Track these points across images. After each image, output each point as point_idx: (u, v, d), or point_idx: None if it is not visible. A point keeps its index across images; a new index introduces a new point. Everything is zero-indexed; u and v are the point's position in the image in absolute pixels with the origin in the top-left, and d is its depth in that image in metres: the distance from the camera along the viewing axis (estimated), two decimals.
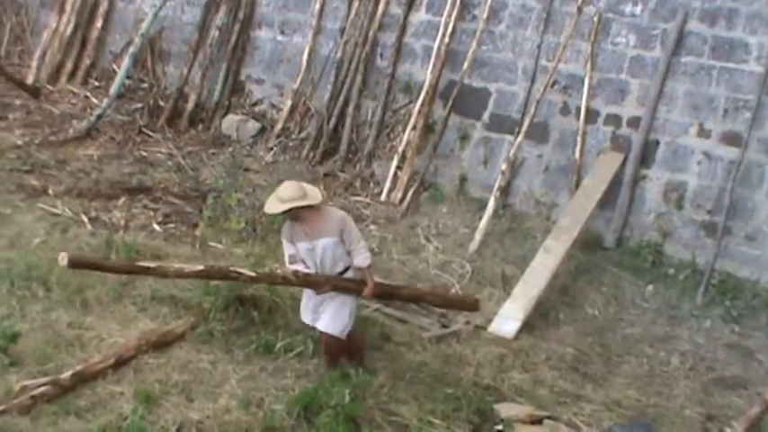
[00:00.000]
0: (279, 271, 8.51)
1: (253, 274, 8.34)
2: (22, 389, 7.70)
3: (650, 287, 11.17)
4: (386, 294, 9.16)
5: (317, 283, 8.15)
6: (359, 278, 8.27)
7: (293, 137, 14.15)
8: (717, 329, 10.60)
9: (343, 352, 8.51)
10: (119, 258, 9.87)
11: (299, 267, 8.15)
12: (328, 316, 8.25)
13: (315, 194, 8.12)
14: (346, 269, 8.23)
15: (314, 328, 8.47)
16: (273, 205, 7.99)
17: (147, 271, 8.25)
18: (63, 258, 7.62)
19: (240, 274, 8.26)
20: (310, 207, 7.97)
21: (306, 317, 8.47)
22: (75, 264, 7.80)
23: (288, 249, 8.23)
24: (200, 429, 7.56)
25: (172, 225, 11.53)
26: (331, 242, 8.06)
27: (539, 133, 12.41)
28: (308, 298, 8.41)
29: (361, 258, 8.18)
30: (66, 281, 9.15)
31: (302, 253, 8.13)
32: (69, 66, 15.93)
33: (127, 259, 8.65)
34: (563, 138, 12.34)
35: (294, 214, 7.95)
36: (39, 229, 10.72)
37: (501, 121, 12.75)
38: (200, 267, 8.34)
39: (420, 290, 10.04)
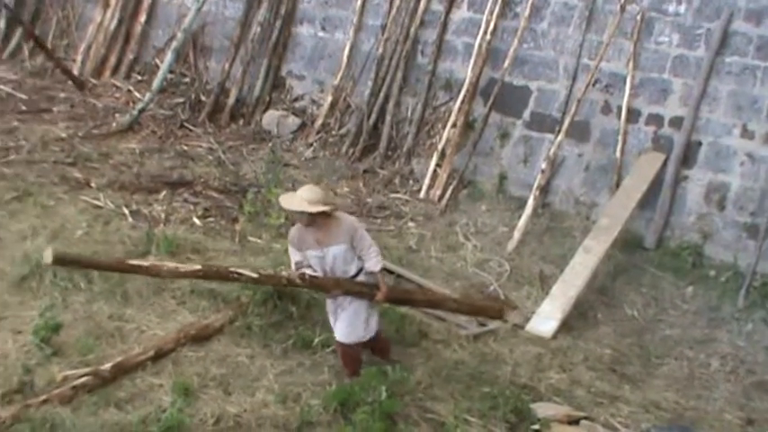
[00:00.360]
0: (285, 273, 8.38)
1: (255, 275, 8.21)
2: (64, 379, 7.78)
3: (690, 289, 11.04)
4: (400, 299, 8.96)
5: (326, 287, 8.13)
6: (371, 281, 8.19)
7: (333, 133, 14.15)
8: (758, 332, 10.44)
9: (358, 360, 8.44)
10: (158, 253, 9.95)
11: (308, 272, 8.09)
12: (343, 324, 8.22)
13: (334, 199, 8.09)
14: (358, 272, 8.14)
15: None
16: (296, 203, 7.87)
17: (137, 270, 8.03)
18: (48, 255, 7.41)
19: (240, 275, 8.13)
20: (324, 213, 7.90)
21: (331, 320, 8.43)
22: (60, 261, 7.60)
23: (294, 256, 8.18)
24: (237, 423, 7.59)
25: (212, 219, 11.54)
26: (341, 250, 8.00)
27: (579, 132, 12.31)
28: (329, 301, 8.37)
29: (373, 263, 8.09)
30: (108, 274, 9.14)
31: (311, 260, 8.06)
32: (113, 60, 16.08)
33: (116, 259, 8.44)
34: (604, 137, 12.22)
35: (311, 219, 7.87)
36: (81, 221, 10.78)
37: (541, 119, 12.66)
38: (197, 267, 8.21)
39: (439, 295, 9.79)
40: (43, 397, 7.48)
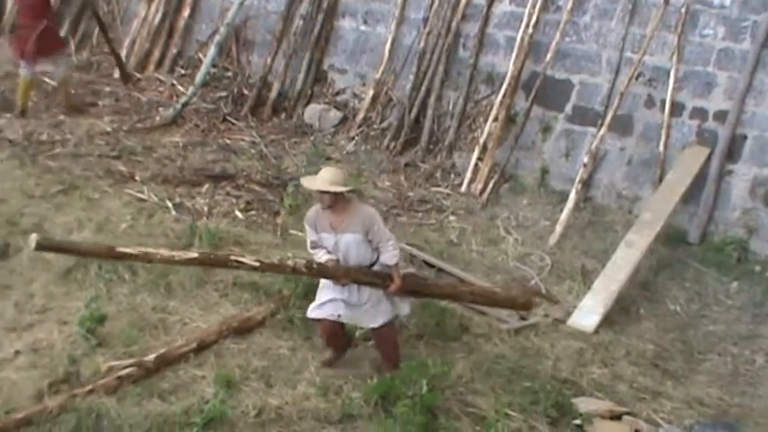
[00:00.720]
0: (290, 261, 8.05)
1: (256, 263, 7.94)
2: (109, 369, 7.88)
3: (735, 284, 10.94)
4: (418, 291, 8.58)
5: (335, 275, 7.96)
6: (384, 272, 8.07)
7: (375, 126, 14.13)
8: None
9: (396, 344, 8.40)
10: (201, 245, 9.99)
11: (322, 253, 7.98)
12: (383, 305, 8.11)
13: (354, 183, 8.08)
14: (372, 264, 8.04)
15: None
16: (318, 183, 7.82)
17: (127, 257, 7.69)
18: (32, 240, 7.13)
19: (241, 263, 7.89)
20: (344, 198, 7.88)
21: (332, 310, 8.12)
22: (43, 246, 7.32)
23: (310, 235, 8.08)
24: (279, 415, 7.64)
25: (254, 212, 11.58)
26: (354, 239, 7.91)
27: (622, 126, 12.21)
28: (334, 293, 8.08)
29: (389, 256, 7.98)
30: (151, 266, 9.17)
31: (325, 243, 8.00)
32: (157, 54, 16.13)
33: (105, 246, 8.07)
34: (647, 131, 12.12)
35: (332, 200, 7.80)
36: (125, 213, 10.86)
37: (584, 113, 12.57)
38: (194, 255, 7.99)
39: (460, 287, 9.41)
40: (89, 387, 7.59)
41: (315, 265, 7.93)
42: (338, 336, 8.34)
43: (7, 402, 7.46)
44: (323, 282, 8.12)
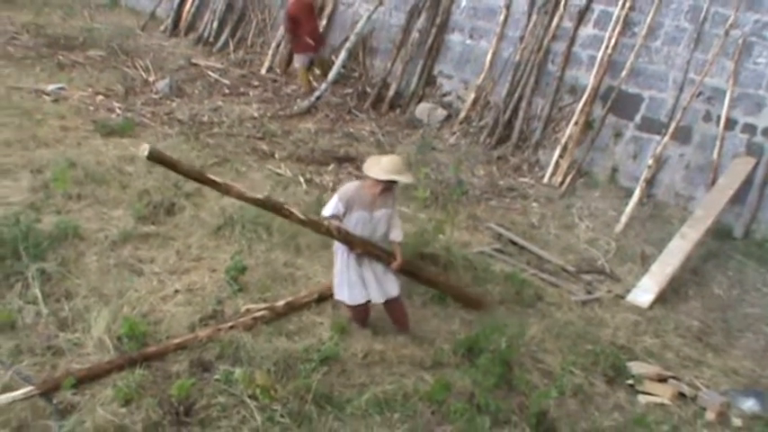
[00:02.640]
0: (326, 222, 7.61)
1: (302, 217, 7.62)
2: (247, 311, 8.06)
3: None
4: (409, 273, 8.38)
5: (353, 243, 7.59)
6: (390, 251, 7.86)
7: (473, 124, 14.11)
8: None
9: (405, 312, 8.15)
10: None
11: (335, 223, 7.56)
12: (392, 276, 7.88)
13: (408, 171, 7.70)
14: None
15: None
16: (392, 173, 7.38)
17: (212, 184, 7.32)
18: (144, 150, 6.74)
19: (291, 213, 7.59)
20: (392, 189, 7.56)
21: (358, 295, 7.83)
22: (153, 157, 6.84)
23: (333, 209, 7.53)
24: (381, 358, 7.70)
25: None
26: (386, 214, 7.65)
27: (683, 135, 12.00)
28: (355, 274, 7.77)
29: (397, 233, 7.80)
30: (285, 228, 9.32)
31: (359, 222, 7.55)
32: None
33: (197, 170, 7.72)
34: (704, 141, 11.90)
35: (388, 187, 7.49)
36: (266, 185, 11.02)
37: (650, 123, 12.39)
38: (259, 196, 7.67)
39: (440, 279, 8.98)
40: (230, 323, 7.75)
41: (341, 232, 7.55)
42: (366, 312, 8.07)
43: (168, 330, 7.65)
44: (347, 275, 7.80)
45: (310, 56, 15.31)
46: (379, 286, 7.82)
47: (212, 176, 7.36)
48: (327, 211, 7.61)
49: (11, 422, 6.33)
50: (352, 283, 7.78)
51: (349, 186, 7.74)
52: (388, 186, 7.51)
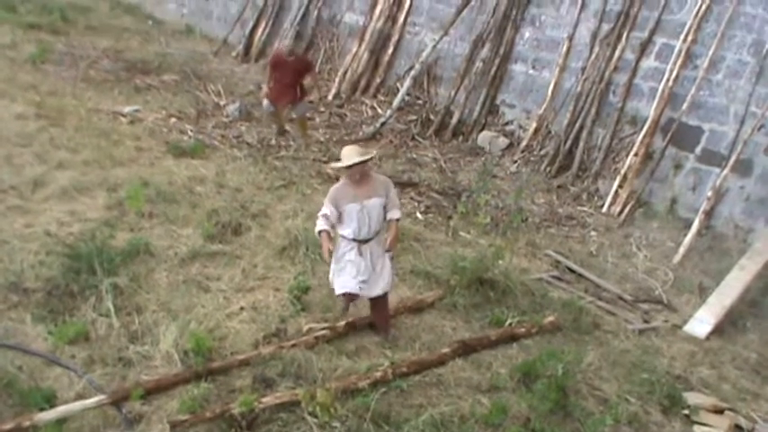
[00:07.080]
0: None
1: None
2: (309, 330, 8.15)
3: None
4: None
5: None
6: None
7: (534, 153, 14.07)
8: None
9: (389, 313, 8.43)
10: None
11: (328, 227, 7.73)
12: (386, 276, 8.12)
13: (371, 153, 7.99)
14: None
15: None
16: (353, 157, 7.63)
17: None
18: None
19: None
20: (365, 170, 7.76)
21: (351, 286, 8.05)
22: None
23: (326, 209, 7.76)
24: (438, 380, 7.71)
25: (431, 215, 11.72)
26: (379, 203, 7.81)
27: (743, 168, 11.81)
28: (354, 269, 7.99)
29: (396, 212, 7.95)
30: None
31: (352, 214, 7.75)
32: (363, 83, 16.50)
33: None
34: (764, 174, 11.67)
35: (359, 170, 7.66)
36: None
37: (711, 155, 12.21)
38: None
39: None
40: (293, 342, 7.85)
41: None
42: (353, 300, 8.36)
43: (232, 346, 7.79)
44: (343, 263, 8.01)
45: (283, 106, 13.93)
46: (372, 281, 8.03)
47: None
48: (321, 212, 7.82)
49: (83, 429, 6.55)
50: (344, 271, 8.02)
51: (332, 188, 7.98)
52: (359, 170, 7.68)
